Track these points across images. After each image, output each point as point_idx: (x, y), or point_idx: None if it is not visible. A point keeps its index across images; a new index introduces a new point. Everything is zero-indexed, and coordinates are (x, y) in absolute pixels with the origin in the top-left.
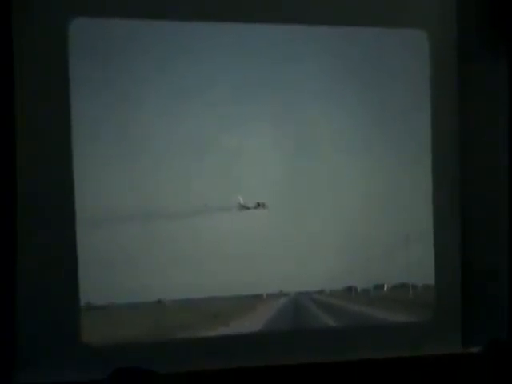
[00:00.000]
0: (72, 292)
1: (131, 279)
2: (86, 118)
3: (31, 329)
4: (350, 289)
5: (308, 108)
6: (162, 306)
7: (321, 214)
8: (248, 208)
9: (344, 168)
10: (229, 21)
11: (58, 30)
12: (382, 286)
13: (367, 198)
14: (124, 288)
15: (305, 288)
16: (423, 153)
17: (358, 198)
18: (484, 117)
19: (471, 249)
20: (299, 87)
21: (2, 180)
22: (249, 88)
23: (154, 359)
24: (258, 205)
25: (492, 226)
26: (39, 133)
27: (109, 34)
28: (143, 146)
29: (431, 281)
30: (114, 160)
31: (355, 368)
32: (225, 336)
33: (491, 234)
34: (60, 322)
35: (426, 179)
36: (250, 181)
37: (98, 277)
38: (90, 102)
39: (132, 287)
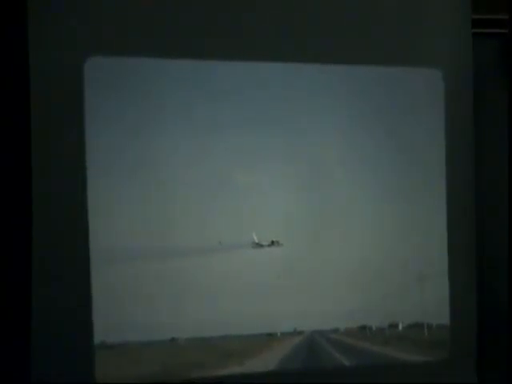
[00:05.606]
0: (86, 330)
1: (145, 317)
2: (99, 155)
3: (44, 368)
4: (364, 327)
5: (321, 143)
6: (175, 344)
7: (334, 251)
8: (262, 246)
9: (357, 206)
10: (251, 60)
11: (73, 68)
12: (397, 324)
13: (381, 235)
14: (138, 326)
15: (319, 326)
16: (438, 190)
17: (372, 236)
18: (499, 155)
19: (486, 287)
20: (312, 123)
21: (16, 219)
22: (264, 125)
23: None
24: (272, 243)
25: (507, 264)
26: (53, 171)
27: (124, 72)
28: (156, 183)
29: (446, 320)
30: (126, 198)
31: None
32: (239, 375)
33: (506, 272)
34: (74, 361)
35: (440, 216)
36: (263, 217)
37: (111, 315)
38: (103, 140)
39: (145, 325)
